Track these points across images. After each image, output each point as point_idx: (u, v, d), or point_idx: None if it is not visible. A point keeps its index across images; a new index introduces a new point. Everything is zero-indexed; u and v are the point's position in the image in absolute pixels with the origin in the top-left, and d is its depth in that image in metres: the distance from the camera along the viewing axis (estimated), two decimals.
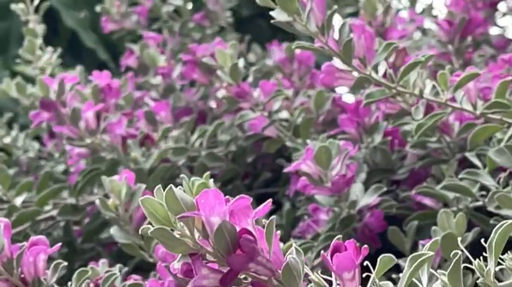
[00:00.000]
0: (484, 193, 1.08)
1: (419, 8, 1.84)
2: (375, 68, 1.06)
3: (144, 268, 1.14)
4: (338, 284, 0.73)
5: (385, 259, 0.74)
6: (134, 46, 1.67)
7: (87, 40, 2.45)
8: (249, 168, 1.46)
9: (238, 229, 0.69)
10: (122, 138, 1.36)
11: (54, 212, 1.32)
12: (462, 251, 1.01)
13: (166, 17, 1.80)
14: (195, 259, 0.69)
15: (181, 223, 0.68)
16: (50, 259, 0.92)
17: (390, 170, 1.26)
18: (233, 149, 1.42)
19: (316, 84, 1.45)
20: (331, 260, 0.72)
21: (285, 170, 1.19)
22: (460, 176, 1.09)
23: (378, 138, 1.26)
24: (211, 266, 0.69)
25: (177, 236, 0.68)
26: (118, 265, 0.99)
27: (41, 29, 1.44)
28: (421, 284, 0.75)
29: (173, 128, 1.42)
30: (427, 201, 1.17)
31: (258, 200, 1.37)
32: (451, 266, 0.73)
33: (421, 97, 1.08)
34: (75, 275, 0.92)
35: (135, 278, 0.99)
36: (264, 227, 0.71)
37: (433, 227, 1.05)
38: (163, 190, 0.68)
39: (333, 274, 0.73)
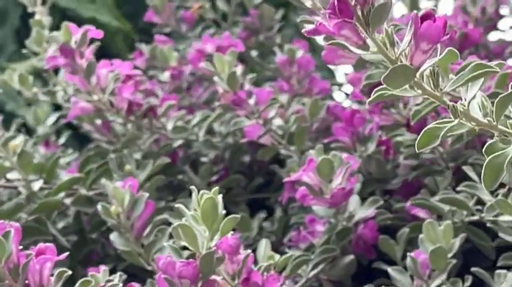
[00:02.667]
0: (479, 207, 1.09)
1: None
2: None
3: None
4: (404, 49, 0.70)
5: (451, 52, 0.72)
6: (144, 47, 1.67)
7: None
8: (245, 169, 1.47)
9: None
10: (128, 103, 1.37)
11: (67, 200, 1.32)
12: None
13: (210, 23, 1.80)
14: None
15: None
16: (61, 249, 0.93)
17: (384, 180, 1.27)
18: (230, 141, 1.43)
19: (314, 89, 1.46)
20: (421, 22, 0.68)
21: (285, 180, 1.20)
22: (459, 188, 1.10)
23: (371, 147, 1.27)
24: None
25: None
26: (119, 273, 0.99)
27: (47, 20, 1.43)
28: (466, 95, 0.73)
29: None
30: (422, 213, 1.18)
31: (250, 206, 1.40)
32: (507, 93, 0.71)
33: None
34: (77, 285, 0.92)
35: None
36: None
37: (420, 236, 1.06)
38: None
39: (405, 39, 0.70)
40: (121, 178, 1.30)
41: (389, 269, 1.10)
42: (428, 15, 0.69)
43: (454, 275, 1.07)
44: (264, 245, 1.08)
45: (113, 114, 1.38)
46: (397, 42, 0.70)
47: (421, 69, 0.71)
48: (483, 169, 0.72)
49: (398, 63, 0.70)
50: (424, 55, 0.70)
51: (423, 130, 0.72)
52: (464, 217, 1.11)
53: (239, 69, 1.30)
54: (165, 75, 1.61)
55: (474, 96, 0.72)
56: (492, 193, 1.08)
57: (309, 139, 1.35)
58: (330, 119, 1.37)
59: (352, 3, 0.68)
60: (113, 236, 1.13)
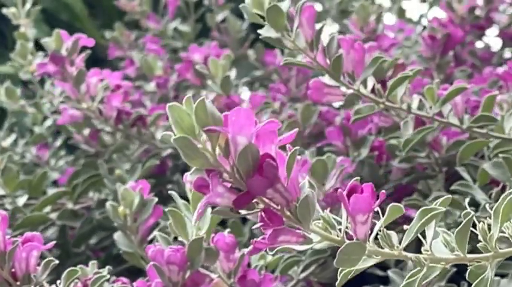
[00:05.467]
0: (473, 208, 1.07)
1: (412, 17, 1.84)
2: (364, 83, 1.05)
3: (131, 276, 1.14)
4: (347, 227, 0.71)
5: (394, 208, 0.73)
6: (135, 55, 1.66)
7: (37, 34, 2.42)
8: None
9: (261, 153, 0.67)
10: (117, 112, 1.37)
11: (52, 215, 1.32)
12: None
13: (172, 43, 1.81)
14: (213, 175, 0.66)
15: (205, 137, 0.66)
16: (43, 259, 0.91)
17: (376, 185, 1.25)
18: None
19: None
20: (348, 200, 0.70)
21: None
22: (452, 187, 1.09)
23: (364, 152, 1.26)
24: (228, 186, 0.67)
25: (199, 147, 0.65)
26: (107, 267, 0.97)
27: (32, 33, 1.43)
28: (425, 240, 0.74)
29: None
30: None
31: None
32: (461, 226, 0.72)
33: (409, 112, 1.07)
34: (64, 274, 0.91)
35: (123, 281, 0.98)
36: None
37: None
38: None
39: (343, 214, 0.71)
40: (112, 183, 1.30)
41: (389, 272, 1.09)
42: (355, 188, 0.70)
43: (448, 281, 1.05)
44: None
45: (101, 123, 1.38)
46: (335, 224, 0.71)
47: (370, 238, 0.71)
48: None
49: (346, 241, 0.71)
50: (365, 225, 0.70)
51: None
52: (457, 217, 1.09)
53: (233, 73, 1.30)
54: (151, 85, 1.60)
55: (434, 237, 0.73)
56: (486, 192, 1.07)
57: (301, 144, 1.34)
58: (323, 124, 1.36)
59: (278, 207, 0.69)
60: (117, 236, 1.14)
